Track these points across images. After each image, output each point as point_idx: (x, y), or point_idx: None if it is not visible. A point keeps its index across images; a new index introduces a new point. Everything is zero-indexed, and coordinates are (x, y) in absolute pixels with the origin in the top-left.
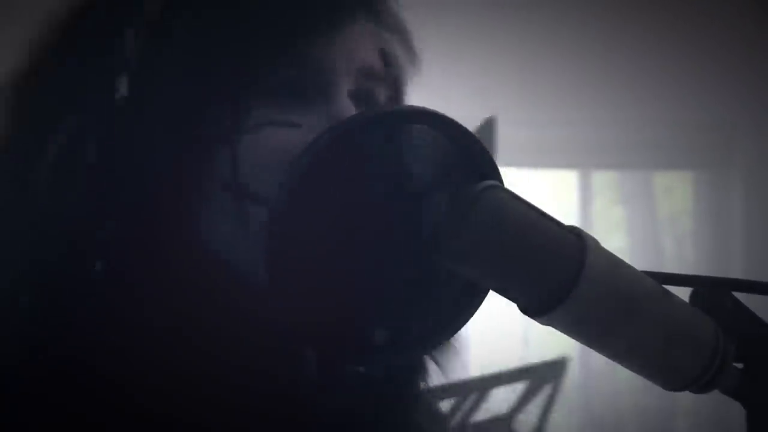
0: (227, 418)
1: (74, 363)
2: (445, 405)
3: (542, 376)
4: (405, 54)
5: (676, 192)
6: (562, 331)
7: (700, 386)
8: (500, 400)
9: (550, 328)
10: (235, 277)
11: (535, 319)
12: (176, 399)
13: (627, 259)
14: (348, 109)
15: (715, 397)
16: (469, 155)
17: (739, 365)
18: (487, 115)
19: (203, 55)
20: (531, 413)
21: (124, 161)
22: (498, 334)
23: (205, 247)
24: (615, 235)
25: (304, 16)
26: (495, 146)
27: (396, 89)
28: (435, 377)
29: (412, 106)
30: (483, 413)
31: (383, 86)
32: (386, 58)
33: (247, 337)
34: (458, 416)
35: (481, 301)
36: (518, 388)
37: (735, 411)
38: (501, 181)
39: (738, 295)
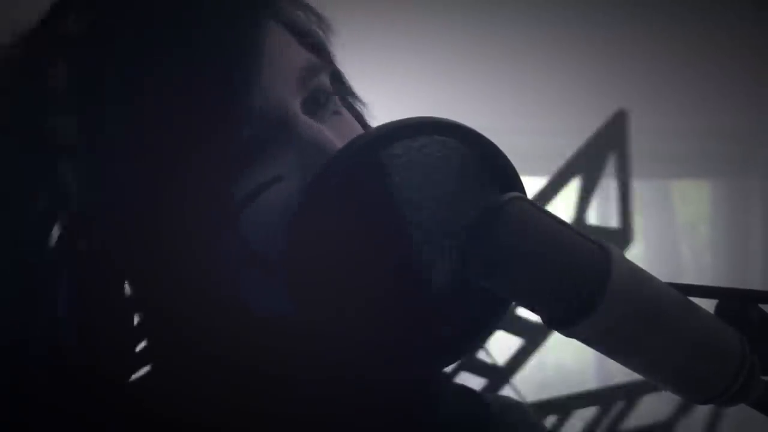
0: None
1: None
2: (588, 413)
3: None
4: (316, 22)
5: (693, 200)
6: (586, 343)
7: (726, 399)
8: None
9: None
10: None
11: (559, 332)
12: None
13: (644, 268)
14: (311, 129)
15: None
16: (491, 166)
17: (766, 378)
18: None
19: (169, 150)
20: (695, 420)
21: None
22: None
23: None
24: (632, 243)
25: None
26: (629, 141)
27: (327, 59)
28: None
29: (432, 118)
30: (636, 420)
31: (324, 70)
32: (308, 40)
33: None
34: (605, 423)
35: (504, 312)
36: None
37: (753, 423)
38: (524, 192)
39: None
